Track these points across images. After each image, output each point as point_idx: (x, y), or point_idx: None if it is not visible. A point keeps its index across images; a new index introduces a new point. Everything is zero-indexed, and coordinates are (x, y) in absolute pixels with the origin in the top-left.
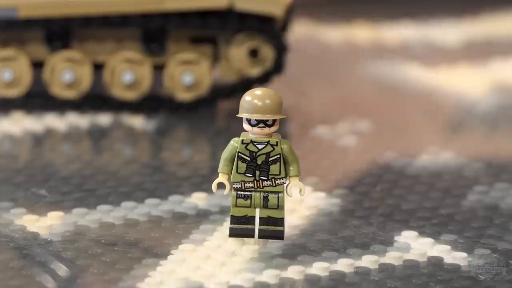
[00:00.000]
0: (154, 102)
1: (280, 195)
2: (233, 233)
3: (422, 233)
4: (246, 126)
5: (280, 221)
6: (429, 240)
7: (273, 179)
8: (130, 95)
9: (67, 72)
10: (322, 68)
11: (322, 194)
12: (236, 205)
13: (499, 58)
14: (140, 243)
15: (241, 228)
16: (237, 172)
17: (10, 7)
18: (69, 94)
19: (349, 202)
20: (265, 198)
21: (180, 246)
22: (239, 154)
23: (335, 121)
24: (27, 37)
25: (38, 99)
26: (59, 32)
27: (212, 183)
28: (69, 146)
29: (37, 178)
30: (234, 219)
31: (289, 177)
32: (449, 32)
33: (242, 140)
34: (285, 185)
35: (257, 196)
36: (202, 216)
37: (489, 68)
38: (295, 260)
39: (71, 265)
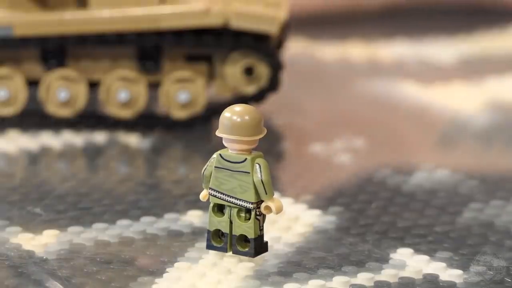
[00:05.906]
0: (149, 120)
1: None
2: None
3: (418, 250)
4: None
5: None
6: (425, 257)
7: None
8: (125, 113)
9: (62, 90)
10: (317, 85)
11: (317, 212)
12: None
13: (493, 75)
14: (135, 261)
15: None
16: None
17: (5, 26)
18: (65, 112)
19: (345, 220)
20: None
21: (176, 264)
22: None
23: (331, 138)
24: (23, 56)
25: (33, 117)
26: (55, 51)
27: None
28: (64, 164)
29: (32, 196)
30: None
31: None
32: (444, 49)
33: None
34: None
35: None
36: (197, 234)
37: (484, 85)
38: (291, 277)
39: (66, 284)
